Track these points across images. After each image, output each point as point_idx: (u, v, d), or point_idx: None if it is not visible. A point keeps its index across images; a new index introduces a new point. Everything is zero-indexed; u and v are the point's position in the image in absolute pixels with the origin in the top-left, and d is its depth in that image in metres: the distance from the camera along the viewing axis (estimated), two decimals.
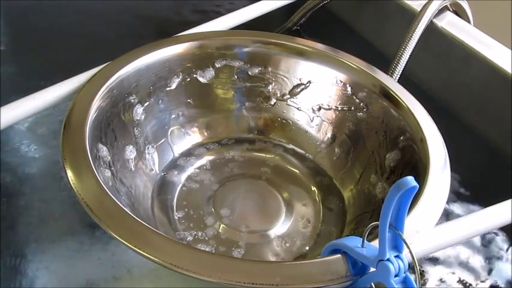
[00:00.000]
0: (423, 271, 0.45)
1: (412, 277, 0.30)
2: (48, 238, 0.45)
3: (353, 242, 0.33)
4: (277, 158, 0.51)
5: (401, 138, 0.45)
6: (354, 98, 0.49)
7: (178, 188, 0.47)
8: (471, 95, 0.57)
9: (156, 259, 0.32)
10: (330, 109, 0.51)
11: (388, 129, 0.46)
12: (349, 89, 0.49)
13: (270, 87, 0.52)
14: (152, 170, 0.47)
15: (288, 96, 0.52)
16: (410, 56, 0.53)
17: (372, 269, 0.31)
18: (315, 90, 0.51)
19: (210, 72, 0.51)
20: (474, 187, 0.52)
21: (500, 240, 0.48)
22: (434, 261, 0.46)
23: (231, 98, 0.53)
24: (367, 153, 0.48)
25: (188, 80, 0.51)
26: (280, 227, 0.45)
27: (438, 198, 0.38)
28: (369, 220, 0.43)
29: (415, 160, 0.43)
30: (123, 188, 0.42)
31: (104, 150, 0.42)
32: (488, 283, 0.45)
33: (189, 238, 0.43)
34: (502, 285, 0.45)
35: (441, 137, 0.43)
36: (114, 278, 0.42)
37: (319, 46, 0.51)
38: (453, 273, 0.45)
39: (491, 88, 0.55)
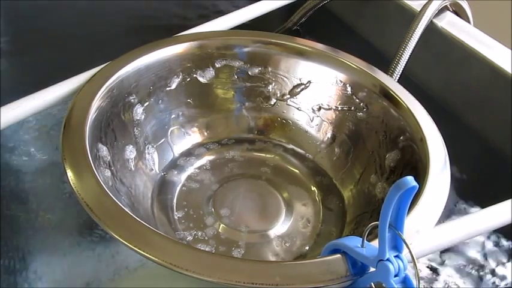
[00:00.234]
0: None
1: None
2: (48, 238, 0.45)
3: (353, 242, 0.33)
4: (277, 158, 0.51)
5: (401, 138, 0.45)
6: (354, 98, 0.49)
7: (178, 188, 0.47)
8: (471, 95, 0.57)
9: (156, 259, 0.32)
10: (330, 109, 0.51)
11: (388, 129, 0.46)
12: (349, 89, 0.49)
13: (270, 87, 0.52)
14: (152, 169, 0.47)
15: (288, 96, 0.52)
16: (410, 56, 0.53)
17: (372, 269, 0.31)
18: (315, 90, 0.51)
19: (210, 72, 0.51)
20: (474, 187, 0.52)
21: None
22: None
23: (231, 98, 0.53)
24: (367, 153, 0.48)
25: (188, 80, 0.51)
26: (280, 227, 0.45)
27: (438, 198, 0.38)
28: (369, 220, 0.43)
29: (415, 160, 0.43)
30: (123, 188, 0.42)
31: (103, 150, 0.42)
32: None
33: (189, 238, 0.43)
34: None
35: (441, 137, 0.43)
36: (114, 278, 0.42)
37: (319, 46, 0.51)
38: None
39: (491, 88, 0.55)
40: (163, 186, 0.47)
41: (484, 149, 0.56)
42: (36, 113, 0.46)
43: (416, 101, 0.46)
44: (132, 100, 0.47)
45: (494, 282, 0.45)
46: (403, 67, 0.53)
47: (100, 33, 0.68)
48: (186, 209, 0.45)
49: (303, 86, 0.51)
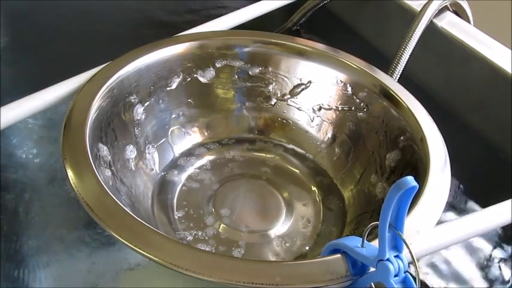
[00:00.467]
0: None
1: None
2: (48, 238, 0.45)
3: (353, 242, 0.33)
4: (277, 158, 0.51)
5: (402, 138, 0.45)
6: (354, 98, 0.49)
7: (179, 188, 0.47)
8: (471, 95, 0.57)
9: (156, 259, 0.32)
10: (330, 109, 0.51)
11: (388, 129, 0.46)
12: (349, 89, 0.49)
13: (270, 87, 0.52)
14: (152, 169, 0.47)
15: (289, 96, 0.52)
16: (410, 56, 0.53)
17: (372, 269, 0.31)
18: (315, 90, 0.51)
19: (211, 72, 0.51)
20: (474, 187, 0.52)
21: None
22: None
23: (231, 97, 0.53)
24: (367, 153, 0.48)
25: (188, 79, 0.51)
26: (281, 227, 0.45)
27: (438, 198, 0.38)
28: (369, 220, 0.43)
29: (415, 160, 0.43)
30: (123, 188, 0.42)
31: (104, 150, 0.42)
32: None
33: (189, 238, 0.43)
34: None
35: (441, 136, 0.43)
36: (114, 278, 0.42)
37: (320, 46, 0.51)
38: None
39: (491, 88, 0.55)
40: (163, 186, 0.47)
41: (484, 149, 0.56)
42: (36, 113, 0.46)
43: (417, 101, 0.46)
44: (133, 100, 0.47)
45: (494, 283, 0.45)
46: (403, 67, 0.53)
47: (100, 33, 0.68)
48: (186, 209, 0.46)
49: (303, 86, 0.51)
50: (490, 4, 0.78)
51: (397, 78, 0.52)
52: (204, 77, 0.51)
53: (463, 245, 0.47)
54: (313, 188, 0.49)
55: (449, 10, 0.60)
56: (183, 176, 0.48)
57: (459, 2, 0.59)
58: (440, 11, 0.58)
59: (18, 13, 0.71)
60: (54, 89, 0.46)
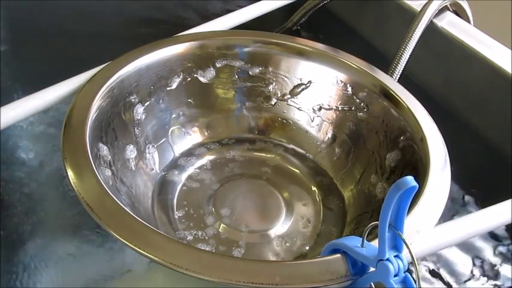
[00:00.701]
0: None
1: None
2: (48, 238, 0.45)
3: (353, 242, 0.33)
4: (277, 157, 0.51)
5: (402, 138, 0.45)
6: (354, 98, 0.49)
7: (179, 188, 0.47)
8: (471, 95, 0.57)
9: (157, 258, 0.32)
10: (330, 109, 0.51)
11: (388, 129, 0.46)
12: (349, 89, 0.49)
13: (270, 87, 0.52)
14: (153, 169, 0.47)
15: (289, 96, 0.52)
16: (410, 56, 0.53)
17: (372, 269, 0.31)
18: (315, 90, 0.51)
19: (211, 72, 0.51)
20: (474, 187, 0.52)
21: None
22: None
23: (231, 97, 0.53)
24: (367, 153, 0.48)
25: (189, 79, 0.51)
26: (281, 227, 0.45)
27: (438, 198, 0.38)
28: (369, 220, 0.43)
29: (415, 160, 0.43)
30: (123, 188, 0.42)
31: (104, 150, 0.42)
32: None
33: (189, 237, 0.43)
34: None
35: (441, 136, 0.43)
36: (114, 278, 0.42)
37: (320, 46, 0.51)
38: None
39: (491, 88, 0.55)
40: (163, 185, 0.47)
41: (484, 149, 0.56)
42: (36, 113, 0.46)
43: (417, 101, 0.46)
44: (133, 100, 0.47)
45: (495, 283, 0.45)
46: (403, 67, 0.53)
47: (100, 33, 0.68)
48: (186, 209, 0.46)
49: (303, 86, 0.51)
50: (490, 4, 0.78)
51: (397, 78, 0.52)
52: (204, 77, 0.51)
53: (463, 245, 0.47)
54: (313, 188, 0.49)
55: (449, 10, 0.60)
56: (183, 176, 0.48)
57: (459, 2, 0.59)
58: (440, 11, 0.58)
59: (18, 13, 0.71)
60: (54, 89, 0.46)
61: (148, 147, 0.48)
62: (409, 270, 0.31)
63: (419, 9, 0.56)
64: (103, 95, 0.44)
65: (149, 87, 0.48)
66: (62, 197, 0.48)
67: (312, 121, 0.51)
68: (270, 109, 0.53)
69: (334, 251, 0.33)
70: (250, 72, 0.52)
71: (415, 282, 0.30)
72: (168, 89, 0.50)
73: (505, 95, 0.53)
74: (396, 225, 0.30)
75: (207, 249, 0.42)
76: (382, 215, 0.29)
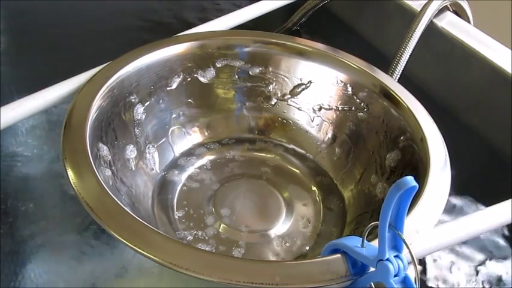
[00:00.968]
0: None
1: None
2: (48, 238, 0.45)
3: (353, 242, 0.33)
4: (277, 157, 0.51)
5: (402, 138, 0.45)
6: (355, 98, 0.49)
7: (179, 188, 0.47)
8: (471, 95, 0.57)
9: (157, 258, 0.32)
10: (330, 109, 0.51)
11: (388, 129, 0.46)
12: (349, 89, 0.49)
13: (270, 87, 0.52)
14: (153, 169, 0.47)
15: (289, 96, 0.52)
16: (410, 56, 0.53)
17: (372, 269, 0.31)
18: (315, 90, 0.51)
19: (211, 72, 0.51)
20: (474, 187, 0.52)
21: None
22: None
23: (231, 97, 0.53)
24: (367, 153, 0.48)
25: (189, 79, 0.51)
26: (281, 227, 0.45)
27: (438, 198, 0.38)
28: (369, 220, 0.43)
29: (416, 160, 0.43)
30: (123, 188, 0.42)
31: (104, 150, 0.42)
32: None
33: (189, 237, 0.43)
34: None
35: (441, 136, 0.43)
36: (114, 278, 0.42)
37: (320, 46, 0.51)
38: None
39: (491, 88, 0.55)
40: (163, 185, 0.47)
41: (484, 149, 0.56)
42: (36, 113, 0.46)
43: (417, 101, 0.46)
44: (133, 100, 0.47)
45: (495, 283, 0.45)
46: (403, 67, 0.53)
47: (100, 33, 0.68)
48: (186, 209, 0.46)
49: (303, 86, 0.51)
50: (490, 4, 0.78)
51: (397, 78, 0.52)
52: (205, 76, 0.51)
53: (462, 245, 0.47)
54: (314, 188, 0.49)
55: (449, 10, 0.60)
56: (183, 176, 0.48)
57: (459, 2, 0.59)
58: (440, 11, 0.58)
59: (18, 13, 0.71)
60: (54, 89, 0.46)
61: (149, 147, 0.48)
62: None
63: (419, 9, 0.56)
64: (103, 95, 0.44)
65: (149, 87, 0.48)
66: (62, 196, 0.48)
67: (312, 121, 0.51)
68: (270, 109, 0.53)
69: (334, 251, 0.33)
70: (250, 72, 0.52)
71: (415, 283, 0.30)
72: (168, 89, 0.50)
73: (505, 95, 0.53)
74: (396, 225, 0.30)
75: (207, 249, 0.42)
76: (382, 215, 0.29)
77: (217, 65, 0.51)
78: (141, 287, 0.43)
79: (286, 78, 0.52)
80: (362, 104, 0.49)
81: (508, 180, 0.51)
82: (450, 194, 0.38)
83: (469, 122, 0.58)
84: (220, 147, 0.51)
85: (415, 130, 0.44)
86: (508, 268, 0.46)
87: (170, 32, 0.53)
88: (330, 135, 0.51)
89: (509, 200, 0.40)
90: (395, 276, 0.30)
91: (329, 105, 0.51)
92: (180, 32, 0.53)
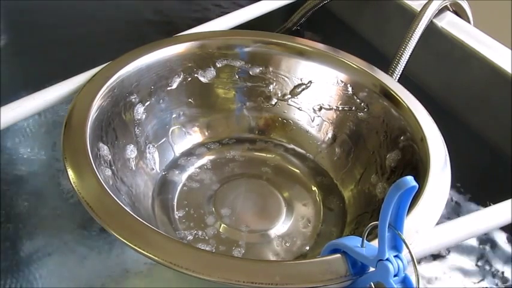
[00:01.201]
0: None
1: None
2: (48, 238, 0.45)
3: (353, 242, 0.33)
4: (277, 157, 0.51)
5: (402, 138, 0.45)
6: (355, 98, 0.49)
7: (179, 188, 0.47)
8: (471, 95, 0.57)
9: (157, 258, 0.32)
10: (330, 109, 0.51)
11: (388, 129, 0.46)
12: (349, 89, 0.49)
13: (271, 87, 0.52)
14: (153, 169, 0.48)
15: (289, 96, 0.52)
16: (410, 56, 0.53)
17: (372, 269, 0.31)
18: (315, 90, 0.51)
19: (211, 72, 0.51)
20: (474, 187, 0.52)
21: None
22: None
23: (232, 97, 0.53)
24: (367, 153, 0.48)
25: (189, 79, 0.51)
26: (281, 227, 0.45)
27: (438, 198, 0.38)
28: (369, 220, 0.43)
29: (416, 160, 0.43)
30: (123, 187, 0.42)
31: (104, 149, 0.42)
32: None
33: (190, 237, 0.43)
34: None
35: (441, 136, 0.43)
36: (114, 278, 0.42)
37: (320, 46, 0.51)
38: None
39: (491, 88, 0.55)
40: (164, 185, 0.47)
41: (484, 149, 0.56)
42: (36, 113, 0.46)
43: (417, 101, 0.46)
44: (133, 99, 0.47)
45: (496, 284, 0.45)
46: (403, 67, 0.53)
47: (100, 33, 0.68)
48: (186, 209, 0.46)
49: (303, 86, 0.51)
50: (490, 4, 0.78)
51: (397, 78, 0.52)
52: (205, 76, 0.51)
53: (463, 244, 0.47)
54: (314, 188, 0.49)
55: (449, 10, 0.60)
56: (184, 176, 0.48)
57: (459, 2, 0.59)
58: (440, 11, 0.58)
59: (18, 13, 0.71)
60: (54, 89, 0.46)
61: (149, 147, 0.48)
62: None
63: (419, 9, 0.56)
64: (103, 94, 0.44)
65: (149, 87, 0.48)
66: (62, 196, 0.48)
67: (312, 121, 0.51)
68: (271, 109, 0.53)
69: (334, 251, 0.33)
70: (250, 72, 0.52)
71: (415, 283, 0.30)
72: (168, 88, 0.50)
73: (505, 95, 0.53)
74: (396, 225, 0.30)
75: (207, 249, 0.42)
76: (382, 215, 0.29)
77: (218, 65, 0.51)
78: (141, 287, 0.43)
79: (286, 78, 0.52)
80: (362, 104, 0.49)
81: (508, 180, 0.51)
82: (450, 194, 0.38)
83: (469, 122, 0.58)
84: (220, 147, 0.51)
85: (415, 130, 0.44)
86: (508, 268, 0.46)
87: (170, 32, 0.53)
88: (330, 135, 0.51)
89: (509, 200, 0.40)
90: (395, 276, 0.30)
91: (329, 105, 0.51)
92: (180, 32, 0.53)
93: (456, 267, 0.46)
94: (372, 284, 0.32)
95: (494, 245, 0.48)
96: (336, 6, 0.70)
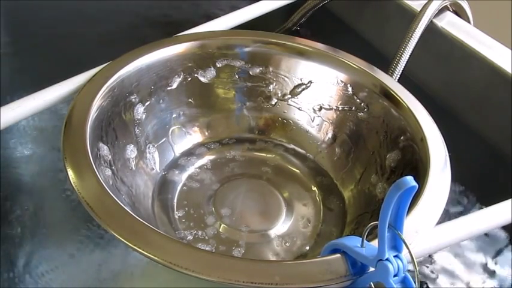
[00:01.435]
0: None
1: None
2: (48, 238, 0.45)
3: (352, 242, 0.33)
4: (277, 157, 0.51)
5: (402, 138, 0.45)
6: (355, 98, 0.49)
7: (179, 188, 0.47)
8: (471, 95, 0.57)
9: (157, 258, 0.32)
10: (330, 109, 0.51)
11: (388, 129, 0.46)
12: (349, 89, 0.49)
13: (271, 87, 0.52)
14: (153, 169, 0.48)
15: (289, 96, 0.52)
16: (410, 56, 0.53)
17: (371, 269, 0.31)
18: (315, 90, 0.51)
19: (211, 72, 0.51)
20: (474, 187, 0.52)
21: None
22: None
23: (232, 97, 0.53)
24: (367, 153, 0.48)
25: (189, 79, 0.51)
26: (281, 227, 0.45)
27: (438, 198, 0.38)
28: (369, 220, 0.43)
29: (416, 160, 0.43)
30: (123, 187, 0.42)
31: (104, 149, 0.42)
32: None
33: (189, 237, 0.43)
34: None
35: (441, 136, 0.43)
36: (113, 278, 0.42)
37: (320, 46, 0.51)
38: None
39: (491, 88, 0.55)
40: (164, 185, 0.47)
41: (484, 149, 0.56)
42: (36, 113, 0.46)
43: (417, 101, 0.46)
44: (133, 99, 0.47)
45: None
46: (403, 67, 0.53)
47: (100, 34, 0.68)
48: (186, 209, 0.46)
49: (303, 86, 0.51)
50: (490, 4, 0.78)
51: (397, 78, 0.52)
52: (205, 76, 0.51)
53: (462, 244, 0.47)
54: (314, 188, 0.49)
55: (449, 10, 0.60)
56: (184, 176, 0.48)
57: (459, 2, 0.59)
58: (440, 11, 0.58)
59: (18, 13, 0.71)
60: (54, 89, 0.46)
61: (149, 147, 0.48)
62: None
63: (419, 9, 0.56)
64: (103, 94, 0.44)
65: (150, 87, 0.48)
66: (62, 196, 0.48)
67: (313, 121, 0.51)
68: (271, 109, 0.53)
69: (334, 251, 0.33)
70: (250, 72, 0.52)
71: (415, 283, 0.30)
72: (168, 88, 0.50)
73: (505, 95, 0.53)
74: (396, 225, 0.30)
75: (207, 249, 0.42)
76: (382, 215, 0.29)
77: (218, 65, 0.51)
78: (141, 287, 0.43)
79: (286, 78, 0.52)
80: (362, 104, 0.49)
81: (508, 180, 0.51)
82: (450, 194, 0.38)
83: (469, 122, 0.58)
84: (220, 147, 0.51)
85: (415, 130, 0.44)
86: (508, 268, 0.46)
87: (170, 32, 0.53)
88: (330, 135, 0.51)
89: (509, 200, 0.40)
90: (394, 276, 0.30)
91: (329, 105, 0.51)
92: (180, 32, 0.53)
93: (456, 267, 0.46)
94: (372, 284, 0.32)
95: (494, 245, 0.48)
96: (336, 6, 0.70)
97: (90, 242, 0.44)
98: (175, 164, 0.49)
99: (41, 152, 0.52)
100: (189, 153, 0.50)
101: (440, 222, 0.37)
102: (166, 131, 0.50)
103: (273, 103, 0.53)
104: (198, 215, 0.45)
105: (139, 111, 0.48)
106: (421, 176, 0.40)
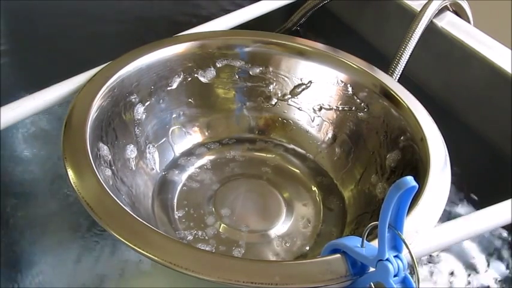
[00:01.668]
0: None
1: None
2: (48, 238, 0.45)
3: (353, 242, 0.33)
4: (277, 157, 0.51)
5: (402, 138, 0.45)
6: (355, 98, 0.49)
7: (179, 188, 0.47)
8: (471, 95, 0.57)
9: (156, 258, 0.32)
10: (330, 109, 0.51)
11: (388, 129, 0.46)
12: (349, 89, 0.49)
13: (271, 87, 0.52)
14: (153, 169, 0.48)
15: (289, 96, 0.52)
16: (410, 56, 0.53)
17: (371, 269, 0.31)
18: (315, 90, 0.51)
19: (211, 72, 0.51)
20: (474, 187, 0.52)
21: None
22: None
23: (232, 97, 0.53)
24: (367, 154, 0.48)
25: (189, 79, 0.51)
26: (281, 227, 0.45)
27: (438, 198, 0.38)
28: (369, 220, 0.43)
29: (416, 160, 0.43)
30: (123, 187, 0.42)
31: (104, 149, 0.42)
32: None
33: (189, 237, 0.43)
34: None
35: (441, 136, 0.43)
36: (113, 278, 0.42)
37: (320, 46, 0.51)
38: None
39: (491, 88, 0.55)
40: (164, 185, 0.47)
41: (484, 149, 0.56)
42: (36, 113, 0.46)
43: (417, 101, 0.46)
44: (133, 99, 0.47)
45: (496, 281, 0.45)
46: (403, 67, 0.53)
47: (100, 33, 0.68)
48: (186, 209, 0.46)
49: (303, 86, 0.51)
50: (490, 4, 0.78)
51: (397, 78, 0.52)
52: (205, 76, 0.51)
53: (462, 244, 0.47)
54: (314, 188, 0.49)
55: (449, 10, 0.60)
56: (184, 176, 0.48)
57: (459, 2, 0.59)
58: (440, 11, 0.58)
59: (18, 13, 0.71)
60: (54, 89, 0.46)
61: (149, 147, 0.48)
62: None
63: (419, 9, 0.56)
64: (103, 94, 0.44)
65: (150, 87, 0.48)
66: (62, 196, 0.48)
67: (313, 121, 0.51)
68: (271, 109, 0.53)
69: (334, 251, 0.33)
70: (250, 72, 0.52)
71: (415, 283, 0.30)
72: (168, 88, 0.50)
73: (505, 95, 0.53)
74: (396, 226, 0.30)
75: (207, 249, 0.42)
76: (382, 215, 0.29)
77: (218, 65, 0.51)
78: (141, 287, 0.43)
79: (286, 78, 0.52)
80: (362, 104, 0.49)
81: (508, 180, 0.51)
82: (450, 194, 0.38)
83: (469, 122, 0.58)
84: (220, 147, 0.51)
85: (415, 130, 0.44)
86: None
87: (170, 32, 0.53)
88: (330, 135, 0.51)
89: (509, 200, 0.40)
90: (394, 276, 0.30)
91: (329, 105, 0.51)
92: (180, 32, 0.53)
93: (456, 267, 0.46)
94: (372, 284, 0.32)
95: (494, 244, 0.48)
96: (336, 6, 0.70)
97: (90, 242, 0.44)
98: (175, 164, 0.49)
99: (41, 152, 0.52)
100: (189, 153, 0.50)
101: (440, 222, 0.37)
102: (166, 131, 0.50)
103: (273, 103, 0.53)
104: (198, 215, 0.45)
105: (139, 111, 0.48)
106: (421, 176, 0.40)
